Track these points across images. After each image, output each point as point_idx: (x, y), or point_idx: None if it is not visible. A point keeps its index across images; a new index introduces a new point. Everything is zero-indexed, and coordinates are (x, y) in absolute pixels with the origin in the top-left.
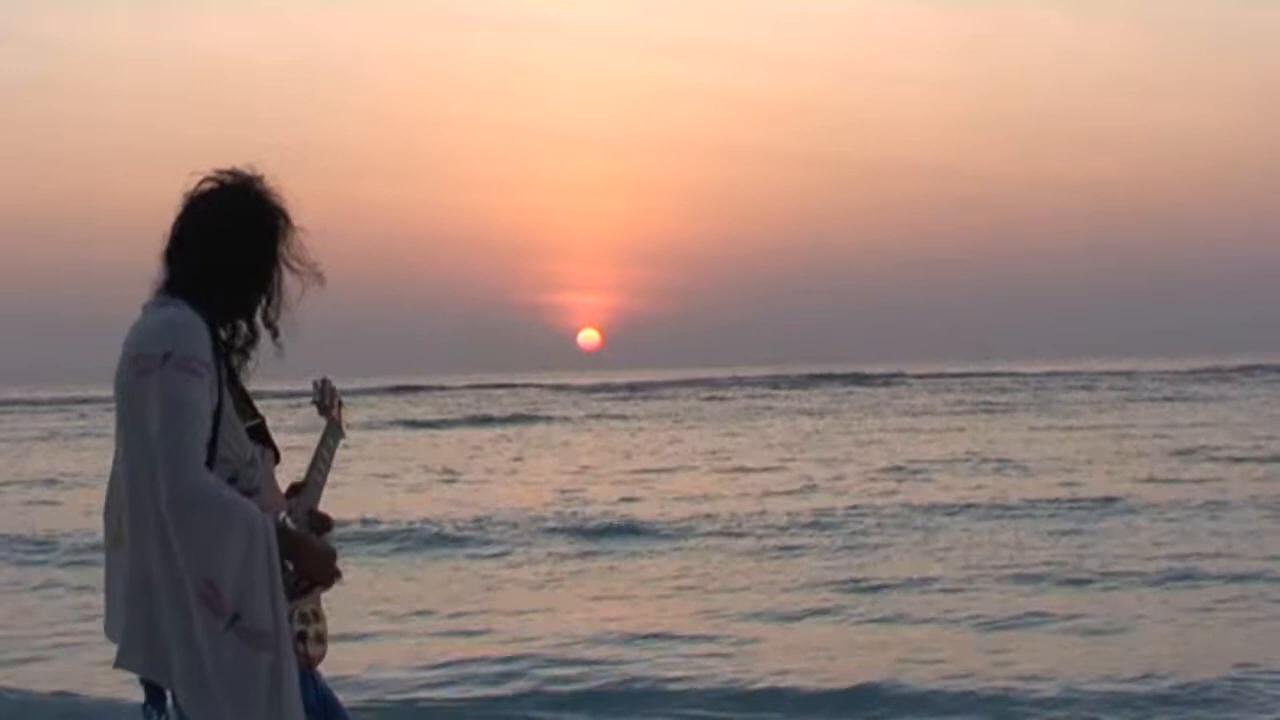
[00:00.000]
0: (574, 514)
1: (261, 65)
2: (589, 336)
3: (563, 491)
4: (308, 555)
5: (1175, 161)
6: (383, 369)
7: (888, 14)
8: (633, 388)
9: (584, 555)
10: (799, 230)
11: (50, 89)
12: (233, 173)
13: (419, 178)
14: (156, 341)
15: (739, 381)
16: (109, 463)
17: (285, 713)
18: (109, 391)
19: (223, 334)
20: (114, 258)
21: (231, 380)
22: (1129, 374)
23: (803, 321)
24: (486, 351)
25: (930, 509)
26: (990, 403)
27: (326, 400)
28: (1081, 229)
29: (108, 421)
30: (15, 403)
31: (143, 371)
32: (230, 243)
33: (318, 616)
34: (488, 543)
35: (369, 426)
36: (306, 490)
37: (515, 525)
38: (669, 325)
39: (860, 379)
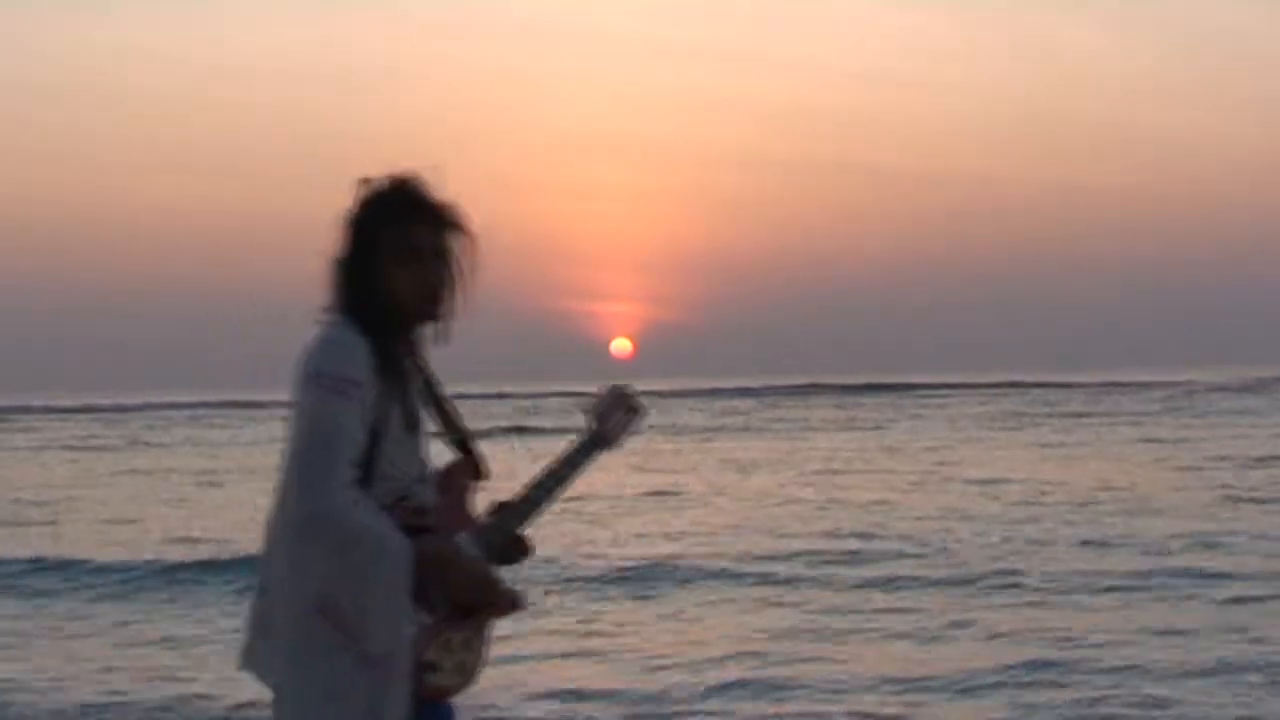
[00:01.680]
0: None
1: (279, 72)
2: (621, 345)
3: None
4: (456, 581)
5: (1184, 169)
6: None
7: (920, 24)
8: (745, 391)
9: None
10: (836, 240)
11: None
12: (373, 178)
13: (463, 183)
14: (309, 360)
15: (814, 388)
16: None
17: None
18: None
19: (393, 346)
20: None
21: (401, 394)
22: (1185, 384)
23: (837, 331)
24: (521, 359)
25: None
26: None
27: (606, 407)
28: (1123, 235)
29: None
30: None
31: (298, 389)
32: (345, 244)
33: (468, 647)
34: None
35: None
36: (513, 509)
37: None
38: (700, 334)
39: (907, 388)
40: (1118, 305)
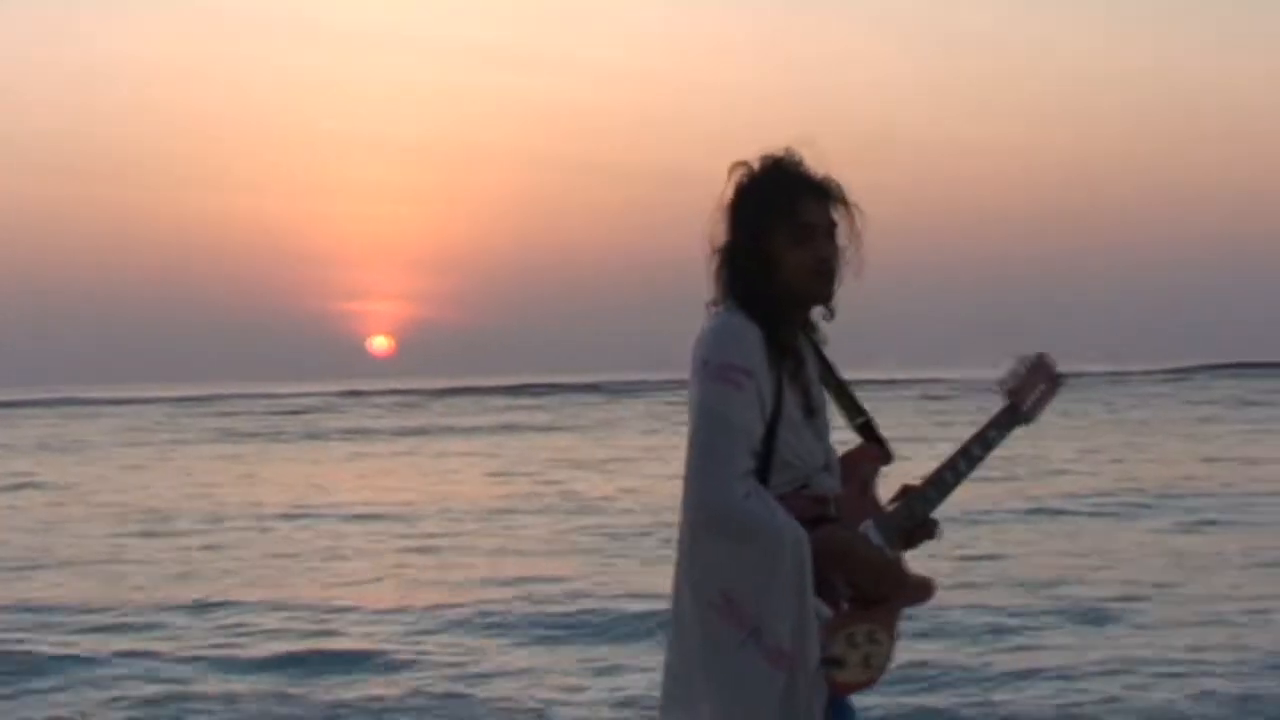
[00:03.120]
0: None
1: (46, 69)
2: (381, 343)
3: None
4: (856, 572)
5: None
6: (161, 376)
7: (697, 24)
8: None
9: None
10: (602, 240)
11: None
12: (748, 161)
13: (216, 185)
14: (700, 350)
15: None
16: None
17: None
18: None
19: (786, 330)
20: None
21: (797, 379)
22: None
23: (605, 329)
24: (278, 358)
25: None
26: None
27: (1023, 380)
28: (885, 237)
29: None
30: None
31: (692, 380)
32: (730, 230)
33: (874, 640)
34: None
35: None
36: (921, 493)
37: None
38: (463, 333)
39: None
40: (874, 308)
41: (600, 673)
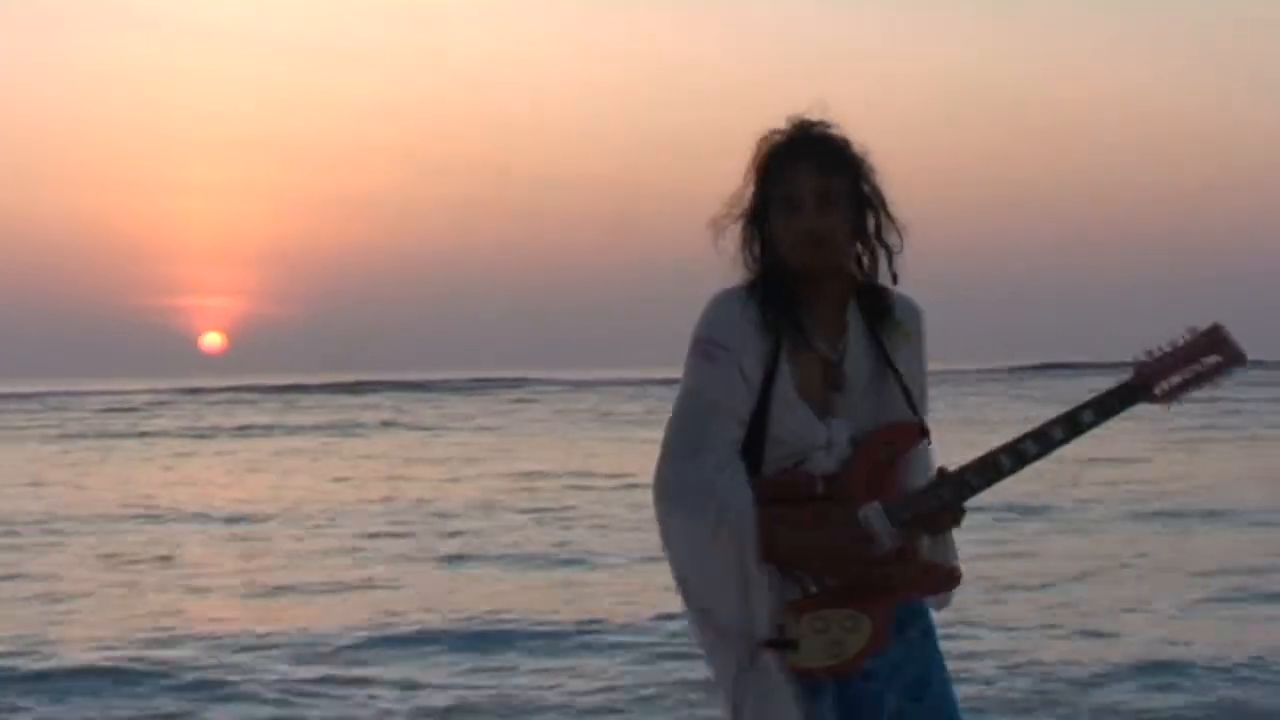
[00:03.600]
0: None
1: None
2: (212, 339)
3: None
4: (804, 553)
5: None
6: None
7: (544, 24)
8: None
9: None
10: (438, 236)
11: None
12: (769, 130)
13: (44, 181)
14: (695, 324)
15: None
16: None
17: (749, 716)
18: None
19: (778, 303)
20: None
21: (794, 354)
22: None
23: (440, 327)
24: (105, 356)
25: None
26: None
27: (1167, 357)
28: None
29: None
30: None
31: None
32: (740, 203)
33: (853, 627)
34: None
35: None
36: (957, 478)
37: None
38: (297, 328)
39: (522, 383)
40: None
41: None
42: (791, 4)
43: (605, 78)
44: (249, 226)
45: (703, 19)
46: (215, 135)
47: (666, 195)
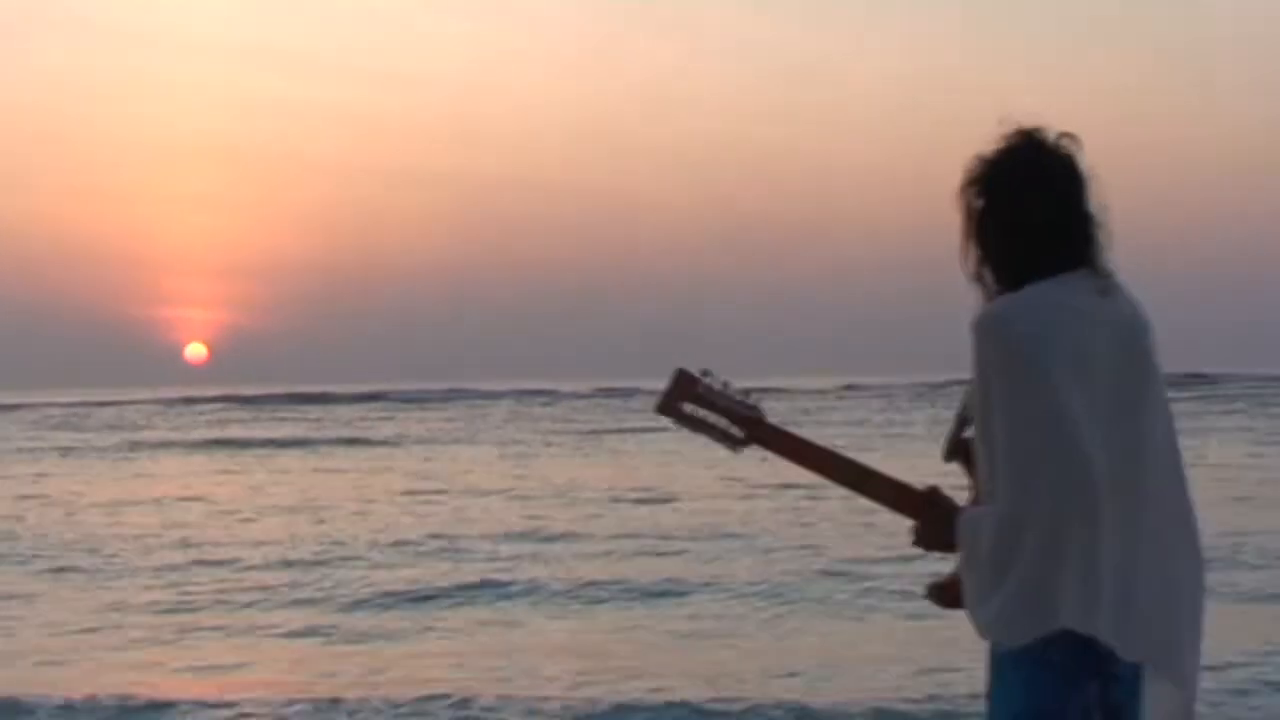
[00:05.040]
0: None
1: None
2: (196, 350)
3: None
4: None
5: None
6: None
7: (511, 35)
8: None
9: None
10: (419, 248)
11: None
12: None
13: (25, 189)
14: None
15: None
16: None
17: None
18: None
19: None
20: None
21: None
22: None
23: (420, 338)
24: (90, 365)
25: None
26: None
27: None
28: (678, 249)
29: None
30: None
31: None
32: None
33: None
34: None
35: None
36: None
37: None
38: (279, 340)
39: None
40: (680, 316)
41: None
42: (776, 14)
43: (580, 89)
44: (229, 238)
45: (675, 28)
46: (203, 147)
47: (647, 206)
